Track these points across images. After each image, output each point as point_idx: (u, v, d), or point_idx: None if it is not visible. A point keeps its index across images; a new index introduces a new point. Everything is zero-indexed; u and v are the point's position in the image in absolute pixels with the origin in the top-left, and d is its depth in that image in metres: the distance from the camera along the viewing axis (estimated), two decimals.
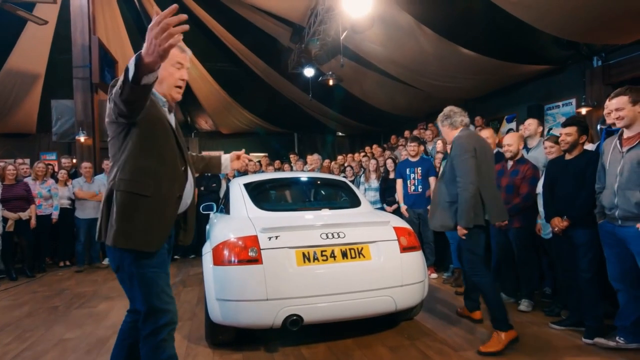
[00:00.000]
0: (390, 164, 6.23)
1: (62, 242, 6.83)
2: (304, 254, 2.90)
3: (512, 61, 6.95)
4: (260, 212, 3.38)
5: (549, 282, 4.18)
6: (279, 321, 2.77)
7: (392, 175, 6.06)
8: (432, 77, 8.15)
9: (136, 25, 10.05)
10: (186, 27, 1.38)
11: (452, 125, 3.38)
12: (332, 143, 15.40)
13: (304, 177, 4.50)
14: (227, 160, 2.60)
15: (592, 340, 3.09)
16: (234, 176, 8.19)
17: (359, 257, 3.00)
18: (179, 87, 2.00)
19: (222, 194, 7.96)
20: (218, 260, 2.95)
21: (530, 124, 4.24)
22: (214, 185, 7.97)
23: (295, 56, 9.38)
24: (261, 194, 3.91)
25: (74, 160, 8.00)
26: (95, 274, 6.25)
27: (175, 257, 7.32)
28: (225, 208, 4.17)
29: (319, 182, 4.37)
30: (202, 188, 7.79)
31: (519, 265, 3.99)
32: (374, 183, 6.33)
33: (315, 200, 4.04)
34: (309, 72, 9.15)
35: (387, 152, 7.96)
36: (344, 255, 2.97)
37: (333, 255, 2.94)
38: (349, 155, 9.60)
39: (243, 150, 2.67)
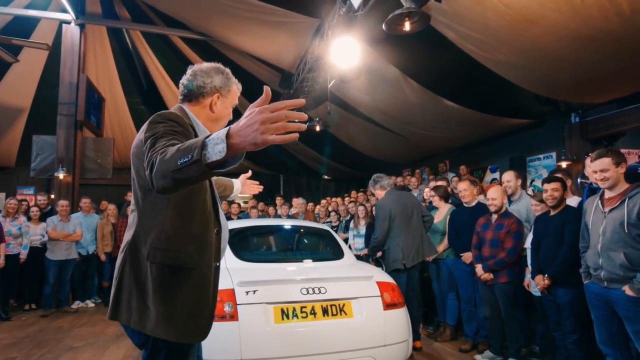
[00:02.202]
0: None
1: (29, 283, 6.48)
2: (282, 311, 2.76)
3: (493, 114, 7.14)
4: (239, 263, 3.25)
5: (538, 339, 4.07)
6: None
7: None
8: (417, 126, 8.31)
9: (127, 65, 10.15)
10: (303, 126, 1.14)
11: (381, 187, 4.55)
12: (317, 186, 15.39)
13: (287, 225, 4.40)
14: (238, 184, 2.36)
15: None
16: None
17: (341, 314, 2.87)
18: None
19: None
20: None
21: (510, 180, 4.27)
22: None
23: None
24: (242, 243, 3.79)
25: (52, 196, 7.78)
26: (61, 319, 5.90)
27: None
28: None
29: (302, 231, 4.27)
30: None
31: (505, 321, 3.89)
32: (364, 230, 6.27)
33: (298, 250, 3.92)
34: None
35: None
36: (325, 312, 2.84)
37: (313, 312, 2.81)
38: (334, 199, 9.56)
39: (250, 173, 2.44)
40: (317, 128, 8.59)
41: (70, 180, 7.26)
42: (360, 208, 6.80)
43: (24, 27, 8.10)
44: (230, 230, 3.70)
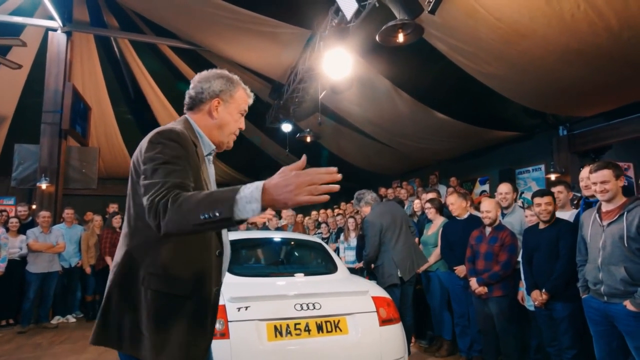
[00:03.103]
0: None
1: (7, 298, 6.19)
2: (275, 328, 2.64)
3: (483, 126, 7.18)
4: (230, 277, 3.11)
5: (532, 354, 3.99)
6: None
7: None
8: (408, 138, 8.31)
9: (114, 74, 9.98)
10: (336, 187, 1.15)
11: (366, 203, 4.47)
12: None
13: (278, 237, 4.28)
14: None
15: None
16: None
17: (336, 331, 2.76)
18: (236, 135, 1.71)
19: None
20: None
21: (508, 192, 4.23)
22: None
23: (274, 112, 9.44)
24: (232, 256, 3.66)
25: (33, 207, 7.53)
26: (40, 335, 5.64)
27: None
28: None
29: (293, 244, 4.16)
30: None
31: (500, 336, 3.81)
32: (354, 242, 6.18)
33: (290, 264, 3.81)
34: (286, 127, 9.17)
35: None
36: (319, 329, 2.73)
37: (307, 329, 2.70)
38: (322, 210, 9.44)
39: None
40: (308, 139, 8.51)
41: (53, 191, 7.02)
42: (350, 220, 6.76)
43: (9, 33, 7.89)
44: None
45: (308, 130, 8.43)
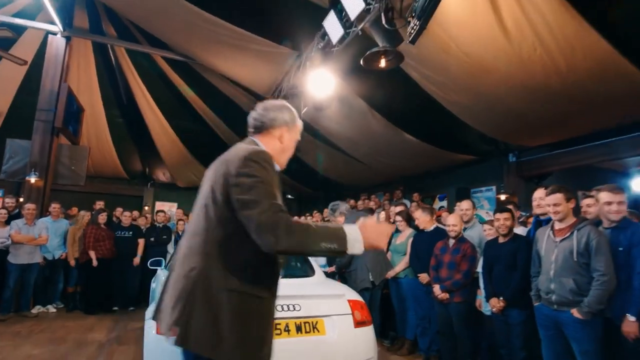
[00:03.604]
0: None
1: None
2: None
3: (445, 149, 7.26)
4: None
5: (484, 353, 3.97)
6: None
7: None
8: (379, 155, 8.30)
9: (109, 79, 9.56)
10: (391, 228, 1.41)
11: (341, 213, 4.41)
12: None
13: None
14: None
15: None
16: (184, 230, 7.57)
17: (314, 331, 2.62)
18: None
19: (169, 248, 7.25)
20: (157, 329, 2.43)
21: (468, 209, 4.24)
22: (165, 237, 7.24)
23: None
24: None
25: (21, 200, 7.01)
26: (20, 324, 5.20)
27: (114, 308, 6.37)
28: None
29: None
30: (152, 239, 7.03)
31: (458, 337, 3.77)
32: None
33: None
34: None
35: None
36: (299, 329, 2.58)
37: (287, 329, 2.55)
38: (295, 218, 9.26)
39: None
40: None
41: (41, 185, 6.56)
42: None
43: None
44: None
45: None
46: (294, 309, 2.62)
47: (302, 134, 6.23)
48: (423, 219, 4.43)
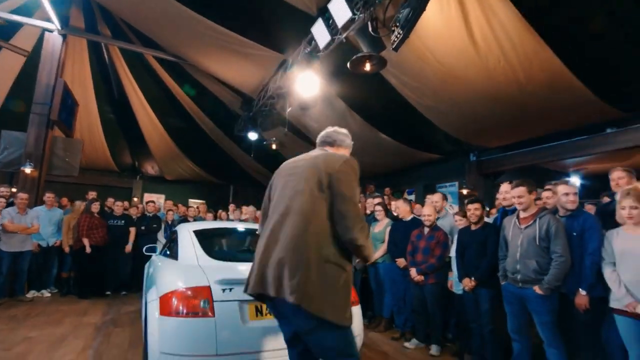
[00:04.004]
0: None
1: None
2: (256, 308, 2.42)
3: (415, 148, 7.37)
4: (211, 261, 2.84)
5: (452, 329, 4.07)
6: None
7: None
8: (355, 153, 8.29)
9: (101, 76, 9.08)
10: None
11: None
12: (262, 197, 14.82)
13: (252, 228, 4.02)
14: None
15: None
16: (174, 220, 7.33)
17: None
18: None
19: (159, 236, 7.01)
20: (165, 310, 2.33)
21: (437, 201, 4.32)
22: (155, 226, 6.98)
23: (243, 122, 9.07)
24: (211, 242, 3.36)
25: (14, 189, 6.55)
26: (15, 308, 4.87)
27: (107, 292, 6.09)
28: (171, 252, 3.51)
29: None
30: (142, 227, 6.76)
31: (431, 315, 3.84)
32: None
33: None
34: (252, 136, 8.83)
35: None
36: None
37: None
38: None
39: None
40: (274, 146, 8.28)
41: (36, 175, 6.14)
42: None
43: (8, 28, 6.92)
44: (200, 231, 3.30)
45: (274, 139, 8.18)
46: None
47: (285, 132, 6.24)
48: (404, 209, 4.48)
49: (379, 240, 4.73)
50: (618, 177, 3.14)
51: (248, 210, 8.07)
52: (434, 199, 4.34)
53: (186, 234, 3.26)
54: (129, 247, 6.35)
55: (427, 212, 3.93)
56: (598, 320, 2.73)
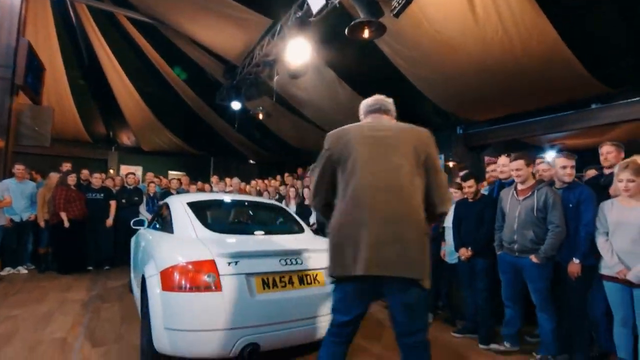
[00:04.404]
0: (306, 192, 6.07)
1: None
2: (263, 280, 2.36)
3: (403, 120, 7.30)
4: (211, 234, 2.73)
5: (443, 297, 4.20)
6: (236, 351, 2.17)
7: (307, 202, 5.87)
8: (342, 124, 8.15)
9: (69, 38, 8.33)
10: None
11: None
12: (244, 169, 14.57)
13: (246, 200, 3.91)
14: None
15: (488, 345, 3.20)
16: (156, 192, 7.08)
17: (314, 283, 2.56)
18: None
19: (141, 209, 6.77)
20: (168, 286, 2.24)
21: None
22: (137, 198, 6.72)
23: (225, 90, 8.69)
24: (207, 214, 3.24)
25: None
26: None
27: (89, 268, 5.89)
28: (163, 226, 3.37)
29: (260, 206, 3.83)
30: (123, 200, 6.49)
31: None
32: (293, 208, 5.97)
33: (263, 224, 3.49)
34: (235, 105, 8.50)
35: (299, 182, 7.66)
36: (301, 281, 2.51)
37: (291, 282, 2.47)
38: (260, 180, 9.01)
39: None
40: (260, 116, 8.01)
41: (2, 146, 5.66)
42: (292, 189, 6.65)
43: None
44: (194, 202, 3.16)
45: (261, 108, 7.90)
46: (296, 262, 2.53)
47: (270, 102, 6.06)
48: None
49: None
50: (607, 152, 3.24)
51: (233, 182, 7.91)
52: None
53: (179, 206, 3.12)
54: (110, 221, 6.11)
55: None
56: (586, 287, 2.88)
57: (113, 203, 6.23)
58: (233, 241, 2.64)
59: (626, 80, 4.76)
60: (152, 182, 7.27)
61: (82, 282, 5.09)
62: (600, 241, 2.71)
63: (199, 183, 7.95)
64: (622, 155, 3.29)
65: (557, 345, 2.87)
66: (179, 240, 2.71)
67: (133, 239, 4.67)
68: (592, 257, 2.79)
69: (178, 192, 7.02)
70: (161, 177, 8.49)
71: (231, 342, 2.15)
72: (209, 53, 7.73)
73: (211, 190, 7.88)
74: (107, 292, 4.62)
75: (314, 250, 2.74)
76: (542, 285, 2.86)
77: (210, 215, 3.26)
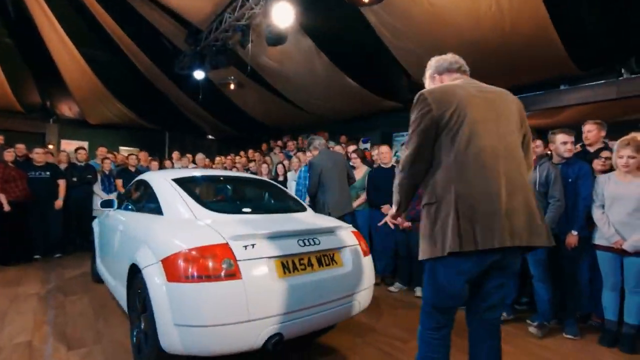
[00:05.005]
0: (280, 169, 5.88)
1: None
2: (283, 264, 2.14)
3: (378, 95, 7.20)
4: (212, 214, 2.42)
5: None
6: (259, 344, 1.95)
7: (280, 178, 5.73)
8: (315, 97, 7.86)
9: None
10: None
11: (314, 147, 4.13)
12: (202, 144, 13.68)
13: (235, 176, 3.57)
14: None
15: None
16: (111, 169, 6.38)
17: (332, 264, 2.39)
18: None
19: (95, 189, 6.06)
20: (174, 276, 1.94)
21: None
22: (89, 177, 5.99)
23: (186, 58, 7.92)
24: (199, 192, 2.89)
25: None
26: None
27: (36, 256, 5.18)
28: (143, 207, 2.97)
29: (254, 183, 3.53)
30: (74, 179, 5.75)
31: (414, 259, 3.95)
32: None
33: (265, 202, 3.21)
34: (198, 75, 7.79)
35: (267, 158, 7.32)
36: (320, 262, 2.32)
37: (310, 264, 2.27)
38: (225, 157, 8.49)
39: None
40: (232, 86, 7.42)
41: None
42: (264, 166, 6.40)
43: None
44: (181, 179, 2.79)
45: (232, 77, 7.30)
46: (314, 243, 2.33)
47: (236, 72, 5.62)
48: (389, 154, 4.41)
49: (359, 188, 4.63)
50: (587, 130, 3.41)
51: (198, 158, 7.39)
52: None
53: (164, 183, 2.75)
54: (59, 203, 5.41)
55: None
56: (580, 256, 3.03)
57: (62, 182, 5.49)
58: (241, 222, 2.36)
59: (593, 62, 5.02)
60: (107, 158, 6.53)
61: (31, 273, 4.46)
62: (597, 214, 2.84)
63: (165, 160, 7.30)
64: (603, 133, 3.47)
65: (552, 312, 3.02)
66: (176, 223, 2.37)
67: (96, 222, 4.14)
68: (587, 229, 2.94)
69: (138, 170, 6.38)
70: (115, 152, 7.65)
71: (255, 334, 1.92)
72: (169, 14, 6.90)
73: (172, 167, 7.29)
74: (67, 284, 4.08)
75: (329, 229, 2.56)
76: (542, 256, 2.96)
77: (204, 194, 2.93)
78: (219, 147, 14.32)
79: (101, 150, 6.64)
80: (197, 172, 3.29)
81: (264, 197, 3.30)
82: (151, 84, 9.43)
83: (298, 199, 3.26)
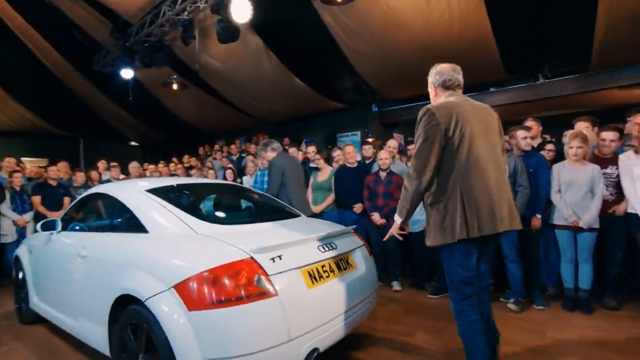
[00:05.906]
0: (229, 174, 5.63)
1: None
2: (309, 273, 1.99)
3: (324, 95, 7.23)
4: (214, 226, 2.14)
5: (408, 264, 4.39)
6: None
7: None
8: (258, 98, 7.57)
9: None
10: None
11: (272, 149, 3.94)
12: (124, 152, 12.19)
13: (212, 183, 3.24)
14: None
15: None
16: (23, 185, 5.33)
17: (349, 267, 2.31)
18: None
19: (3, 209, 5.00)
20: (196, 303, 1.67)
21: (394, 147, 4.47)
22: None
23: (110, 54, 6.99)
24: (185, 204, 2.55)
25: None
26: None
27: None
28: (112, 225, 2.52)
29: (236, 191, 3.24)
30: None
31: (390, 255, 4.05)
32: None
33: (257, 210, 2.94)
34: (127, 74, 6.94)
35: (209, 164, 6.87)
36: (339, 267, 2.22)
37: (332, 270, 2.16)
38: (159, 165, 7.65)
39: None
40: (175, 86, 6.73)
41: None
42: (211, 172, 6.06)
43: None
44: (157, 190, 2.44)
45: (174, 77, 6.61)
46: (332, 247, 2.22)
47: (170, 74, 5.23)
48: (354, 154, 4.44)
49: (326, 189, 4.58)
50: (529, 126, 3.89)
51: (134, 166, 6.57)
52: (391, 144, 4.45)
53: (139, 196, 2.37)
54: None
55: (383, 156, 3.99)
56: (540, 236, 3.43)
57: None
58: (253, 232, 2.13)
59: (517, 68, 5.75)
60: (16, 171, 5.41)
61: None
62: (556, 198, 3.24)
63: (93, 171, 6.31)
64: (541, 128, 4.01)
65: (524, 289, 3.35)
66: (171, 240, 2.04)
67: (23, 250, 3.40)
68: (546, 212, 3.34)
69: (60, 184, 5.44)
70: (22, 164, 6.40)
71: (295, 354, 1.75)
72: (90, 4, 5.99)
73: (100, 179, 6.41)
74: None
75: (340, 232, 2.46)
76: (514, 237, 3.26)
77: (191, 205, 2.58)
78: (143, 154, 12.94)
79: (8, 162, 5.46)
80: (169, 182, 2.89)
81: (256, 205, 3.04)
82: (61, 83, 8.09)
83: (286, 204, 3.08)
